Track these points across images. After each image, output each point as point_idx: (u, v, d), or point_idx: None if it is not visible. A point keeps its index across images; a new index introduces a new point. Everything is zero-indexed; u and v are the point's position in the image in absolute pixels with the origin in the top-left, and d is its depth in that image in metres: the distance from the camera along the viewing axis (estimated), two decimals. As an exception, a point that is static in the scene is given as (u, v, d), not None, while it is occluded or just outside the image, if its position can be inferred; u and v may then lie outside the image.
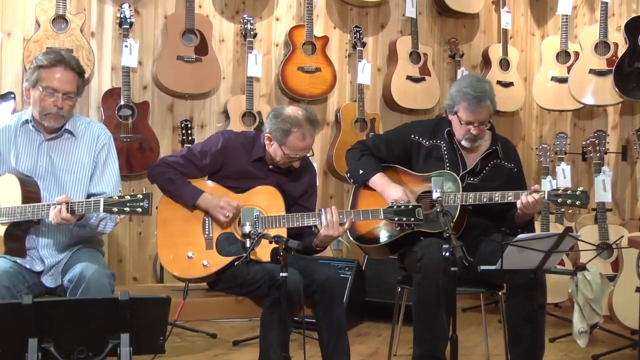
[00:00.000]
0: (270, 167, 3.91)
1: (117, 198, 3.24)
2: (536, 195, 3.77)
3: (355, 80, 6.16)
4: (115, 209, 3.23)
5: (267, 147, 3.85)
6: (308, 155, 3.92)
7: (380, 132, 5.99)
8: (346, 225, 3.71)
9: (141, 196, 3.25)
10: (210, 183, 3.89)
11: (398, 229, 3.89)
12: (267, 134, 3.83)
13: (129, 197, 3.24)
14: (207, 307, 3.81)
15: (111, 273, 3.37)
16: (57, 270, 3.48)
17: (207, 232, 3.77)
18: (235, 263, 3.65)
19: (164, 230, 3.78)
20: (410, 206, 3.71)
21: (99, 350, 2.77)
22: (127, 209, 3.23)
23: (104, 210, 3.24)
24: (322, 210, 3.70)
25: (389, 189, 3.98)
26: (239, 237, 3.73)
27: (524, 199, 3.78)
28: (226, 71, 5.86)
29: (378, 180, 4.05)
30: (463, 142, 4.03)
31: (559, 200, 3.80)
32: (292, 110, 3.82)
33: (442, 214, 3.47)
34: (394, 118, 6.38)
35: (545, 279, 3.73)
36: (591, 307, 4.40)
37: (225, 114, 5.76)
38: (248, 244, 3.44)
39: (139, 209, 3.24)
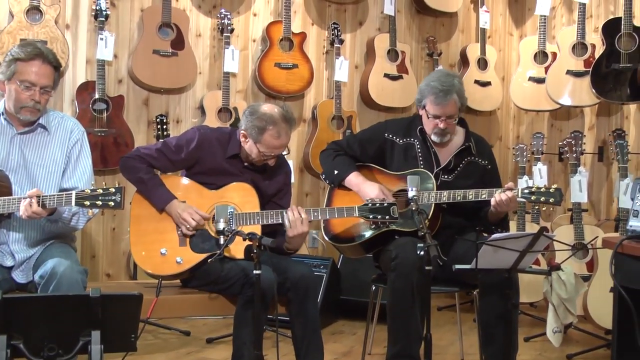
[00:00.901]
0: (246, 164, 3.91)
1: (89, 192, 3.23)
2: (510, 193, 3.80)
3: (332, 77, 6.16)
4: (87, 203, 3.22)
5: (242, 144, 3.85)
6: (284, 153, 3.93)
7: (357, 129, 6.00)
8: (309, 218, 3.70)
9: (113, 190, 3.24)
10: (185, 180, 3.89)
11: (373, 227, 3.90)
12: (242, 131, 3.83)
13: (101, 191, 3.23)
14: (181, 304, 3.80)
15: (83, 269, 3.35)
16: (28, 266, 3.46)
17: (180, 229, 3.77)
18: (209, 260, 3.66)
19: (137, 226, 3.78)
20: (385, 204, 3.72)
21: (70, 347, 2.76)
22: (99, 202, 3.22)
23: (75, 204, 3.22)
24: (284, 212, 3.70)
25: (365, 187, 3.99)
26: (212, 234, 3.73)
27: (498, 196, 3.81)
28: (202, 66, 5.84)
29: (353, 179, 4.06)
30: (432, 137, 4.05)
31: (533, 197, 3.82)
32: (268, 107, 3.83)
33: (417, 213, 3.49)
34: (371, 116, 6.40)
35: (518, 278, 3.74)
36: (565, 307, 4.43)
37: (201, 109, 5.75)
38: (222, 240, 3.43)
39: (111, 203, 3.23)
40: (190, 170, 3.92)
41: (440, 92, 3.94)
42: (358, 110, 6.36)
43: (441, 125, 3.99)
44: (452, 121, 4.01)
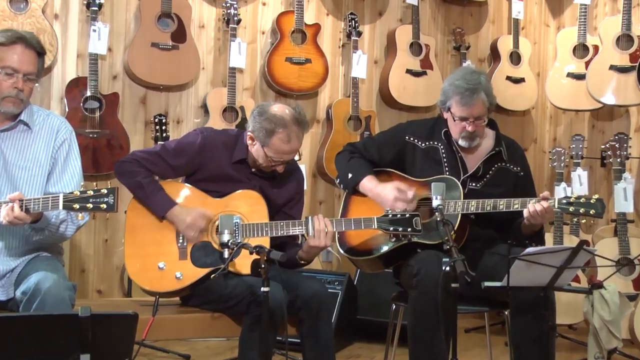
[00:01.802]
0: (253, 170, 3.91)
1: (78, 193, 3.20)
2: (545, 204, 3.78)
3: (349, 74, 6.16)
4: (76, 206, 3.19)
5: (249, 148, 3.86)
6: (295, 159, 3.93)
7: (376, 131, 6.01)
8: (335, 233, 3.74)
9: (106, 191, 3.22)
10: (186, 187, 3.90)
11: (393, 240, 3.90)
12: (249, 133, 3.84)
13: (92, 192, 3.20)
14: (180, 324, 3.80)
15: (72, 285, 3.35)
16: (9, 281, 3.44)
17: (181, 241, 3.77)
18: (212, 275, 3.65)
19: (133, 237, 3.78)
20: (407, 215, 3.72)
21: (56, 372, 2.75)
22: (90, 205, 3.19)
23: (63, 207, 3.19)
24: (309, 218, 3.71)
25: (379, 190, 3.99)
26: (216, 247, 3.73)
27: (532, 207, 3.79)
28: (206, 61, 5.85)
29: (367, 183, 4.06)
30: (460, 142, 4.04)
31: (571, 209, 3.80)
32: (278, 108, 3.83)
33: (442, 224, 3.48)
34: (392, 116, 6.39)
35: (555, 297, 3.73)
36: (609, 330, 4.41)
37: (204, 108, 5.76)
38: (226, 254, 3.42)
39: (104, 205, 3.21)
40: (192, 177, 3.92)
41: (466, 91, 3.94)
42: (377, 110, 6.35)
43: (469, 128, 3.98)
44: (480, 123, 4.00)
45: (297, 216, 3.98)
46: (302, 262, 3.85)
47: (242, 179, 3.90)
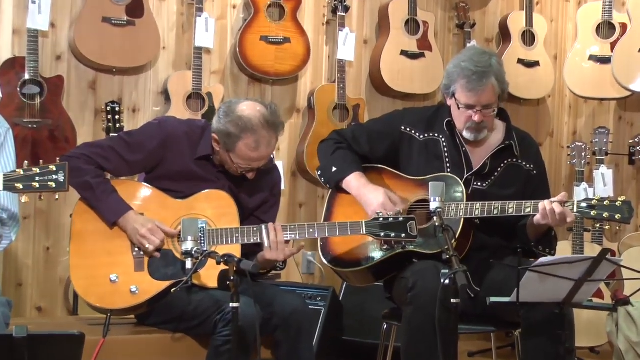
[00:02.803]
0: (221, 168, 3.95)
1: (21, 172, 3.18)
2: (558, 207, 3.76)
3: (334, 55, 6.17)
4: (19, 186, 3.16)
5: (215, 147, 3.89)
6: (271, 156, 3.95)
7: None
8: (294, 249, 3.80)
9: (54, 168, 3.20)
10: (143, 187, 3.92)
11: (385, 248, 3.92)
12: (213, 134, 3.86)
13: (37, 170, 3.19)
14: (135, 346, 3.80)
15: (6, 301, 3.35)
16: None
17: (137, 249, 3.79)
18: (173, 290, 3.67)
19: (80, 245, 3.79)
20: (401, 219, 3.74)
21: (-14, 403, 2.75)
22: (37, 184, 3.17)
23: (4, 188, 3.16)
24: (262, 227, 3.73)
25: (365, 192, 4.01)
26: (178, 256, 3.74)
27: (548, 205, 3.77)
28: (167, 39, 5.85)
29: (353, 180, 4.07)
30: (464, 133, 4.06)
31: (593, 213, 3.81)
32: (247, 107, 3.85)
33: (441, 230, 3.49)
34: (384, 104, 6.40)
35: (573, 315, 3.74)
36: (636, 353, 4.43)
37: (165, 95, 5.76)
38: (190, 264, 3.44)
39: (52, 184, 3.19)
40: (151, 174, 3.94)
41: (474, 74, 3.95)
42: (367, 98, 6.36)
43: (476, 118, 4.00)
44: (489, 112, 4.02)
45: (272, 221, 3.98)
46: (262, 271, 3.87)
47: (208, 177, 3.92)
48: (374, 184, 4.05)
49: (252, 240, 3.75)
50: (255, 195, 4.00)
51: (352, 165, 4.12)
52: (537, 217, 3.82)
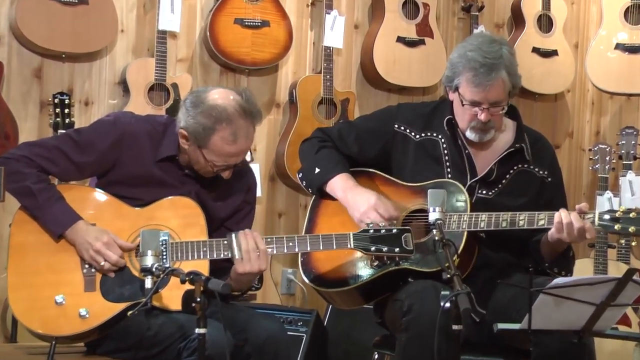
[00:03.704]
0: (187, 171, 3.93)
1: None
2: (576, 219, 3.75)
3: (320, 42, 6.20)
4: None
5: (182, 146, 3.88)
6: (246, 159, 3.94)
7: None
8: (274, 250, 3.76)
9: None
10: (96, 193, 3.90)
11: (376, 264, 3.91)
12: (181, 130, 3.84)
13: None
14: (86, 379, 3.80)
15: None
16: None
17: (87, 266, 3.76)
18: (129, 313, 3.62)
19: (20, 261, 3.76)
20: (395, 230, 3.73)
21: None
22: None
23: None
24: (232, 235, 3.71)
25: (353, 195, 4.00)
26: (136, 274, 3.73)
27: (565, 217, 3.75)
28: (126, 21, 5.86)
29: (339, 182, 4.07)
30: (468, 134, 4.07)
31: (617, 227, 3.80)
32: (219, 95, 3.83)
33: (441, 245, 3.48)
34: (377, 99, 6.45)
35: (593, 344, 3.75)
36: (665, 389, 4.44)
37: (123, 85, 5.77)
38: (149, 283, 3.41)
39: None
40: (104, 179, 3.93)
41: (482, 66, 3.95)
42: (358, 92, 6.39)
43: (482, 117, 4.00)
44: (498, 110, 4.03)
45: None
46: (235, 292, 3.85)
47: (171, 182, 3.91)
48: (363, 187, 4.05)
49: (222, 255, 3.73)
50: (227, 201, 3.99)
51: (338, 166, 4.12)
52: (552, 231, 3.81)
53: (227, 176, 3.89)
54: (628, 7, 6.33)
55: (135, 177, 3.88)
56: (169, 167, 3.91)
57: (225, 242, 3.73)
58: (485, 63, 3.95)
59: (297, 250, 3.82)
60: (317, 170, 4.13)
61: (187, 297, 3.27)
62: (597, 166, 5.83)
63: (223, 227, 3.96)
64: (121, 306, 3.68)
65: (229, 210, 4.00)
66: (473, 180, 4.06)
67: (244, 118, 3.79)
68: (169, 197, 3.86)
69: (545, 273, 3.93)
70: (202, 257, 3.72)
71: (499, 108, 4.02)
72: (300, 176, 4.27)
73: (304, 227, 4.21)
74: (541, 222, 3.84)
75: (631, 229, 3.78)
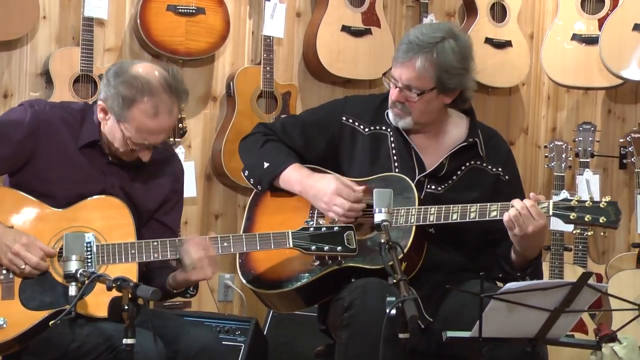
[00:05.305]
0: (110, 159, 3.90)
1: None
2: (530, 205, 3.76)
3: (259, 31, 6.19)
4: None
5: (102, 125, 3.85)
6: (169, 141, 3.91)
7: (298, 113, 5.97)
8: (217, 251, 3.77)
9: None
10: (11, 191, 3.86)
11: (317, 264, 3.92)
12: (100, 102, 3.81)
13: None
14: (4, 393, 3.78)
15: None
16: None
17: (5, 271, 3.72)
18: (52, 322, 3.55)
19: None
20: (336, 228, 3.76)
21: None
22: None
23: None
24: (182, 242, 3.71)
25: (312, 182, 4.02)
26: (59, 279, 3.70)
27: (518, 205, 3.76)
28: (49, 6, 5.82)
29: (294, 173, 4.07)
30: (390, 115, 4.11)
31: (572, 216, 3.83)
32: (143, 68, 3.81)
33: (387, 248, 3.46)
34: (321, 92, 6.47)
35: (546, 354, 3.78)
36: (624, 399, 4.47)
37: (46, 76, 5.73)
38: (73, 290, 3.37)
39: None
40: (19, 175, 3.89)
41: (407, 44, 4.00)
42: (300, 84, 6.41)
43: (392, 96, 4.05)
44: (411, 96, 4.02)
45: (174, 225, 4.01)
46: (174, 291, 3.85)
47: (94, 172, 3.88)
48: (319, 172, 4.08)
49: (151, 258, 3.73)
50: (154, 191, 3.98)
51: (289, 157, 4.13)
52: (506, 221, 3.78)
53: (146, 158, 3.85)
54: (585, -4, 6.37)
55: (56, 168, 3.84)
56: (92, 154, 3.88)
57: (156, 244, 3.73)
58: (411, 41, 3.99)
59: (232, 250, 3.82)
60: (265, 164, 4.12)
61: (114, 305, 3.26)
62: (553, 164, 5.86)
63: (153, 220, 3.97)
64: (42, 314, 3.66)
65: (158, 200, 3.99)
66: (422, 175, 4.07)
67: (168, 93, 3.77)
68: (94, 197, 3.83)
69: (508, 279, 3.90)
70: (130, 260, 3.70)
71: (413, 94, 4.01)
72: (246, 174, 4.24)
73: (242, 226, 4.21)
74: (493, 214, 3.86)
75: (587, 217, 3.83)
